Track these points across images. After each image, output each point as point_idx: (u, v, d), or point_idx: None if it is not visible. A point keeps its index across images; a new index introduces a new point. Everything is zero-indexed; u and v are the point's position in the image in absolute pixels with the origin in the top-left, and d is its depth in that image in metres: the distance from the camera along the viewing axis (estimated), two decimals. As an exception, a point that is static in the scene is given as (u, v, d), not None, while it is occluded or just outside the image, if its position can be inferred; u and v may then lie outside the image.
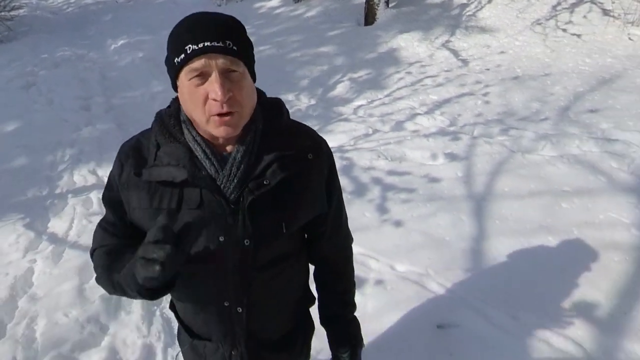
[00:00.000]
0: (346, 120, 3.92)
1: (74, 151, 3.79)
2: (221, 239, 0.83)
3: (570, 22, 5.22)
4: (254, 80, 0.81)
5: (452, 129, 3.55)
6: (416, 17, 6.24)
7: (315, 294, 1.10)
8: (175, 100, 0.86)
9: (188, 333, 0.99)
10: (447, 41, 5.40)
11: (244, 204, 0.81)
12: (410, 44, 5.51)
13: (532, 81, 4.19)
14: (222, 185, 0.81)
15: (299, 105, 4.39)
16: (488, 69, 4.60)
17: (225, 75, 0.73)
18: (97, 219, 2.91)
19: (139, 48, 7.06)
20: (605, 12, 5.15)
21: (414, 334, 1.88)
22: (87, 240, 2.64)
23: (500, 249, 2.30)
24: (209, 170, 0.81)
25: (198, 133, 0.82)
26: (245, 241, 0.83)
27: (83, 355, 1.88)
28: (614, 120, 3.37)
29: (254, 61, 0.81)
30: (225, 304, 0.89)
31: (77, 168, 3.49)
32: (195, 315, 0.95)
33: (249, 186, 0.81)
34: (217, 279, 0.87)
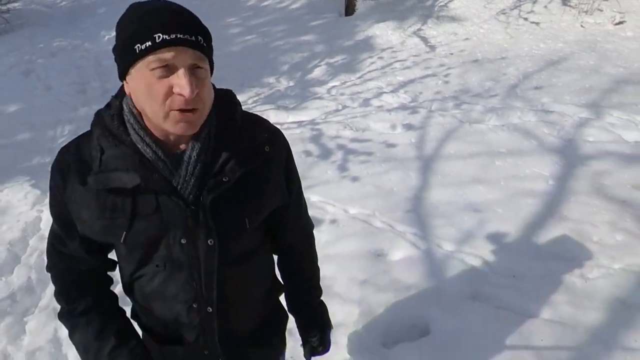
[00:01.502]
0: (320, 98, 4.34)
1: (72, 127, 4.18)
2: (183, 241, 0.81)
3: (532, 11, 5.65)
4: (211, 74, 0.79)
5: (412, 104, 3.97)
6: (393, 7, 6.65)
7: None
8: (116, 98, 0.81)
9: (155, 340, 0.96)
10: (419, 29, 5.82)
11: (204, 204, 0.78)
12: (384, 32, 5.92)
13: (490, 64, 4.62)
14: (179, 187, 0.78)
15: (279, 86, 4.79)
16: (452, 54, 5.02)
17: (192, 71, 0.71)
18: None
19: (132, 38, 7.42)
20: (564, 2, 5.58)
21: (357, 260, 2.30)
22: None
23: (437, 196, 2.73)
24: (162, 172, 0.77)
25: (146, 132, 0.77)
26: (209, 241, 0.81)
27: (86, 277, 2.29)
28: (554, 95, 3.81)
29: (212, 54, 0.79)
30: (194, 306, 0.87)
31: (76, 140, 3.88)
32: (163, 319, 0.92)
33: (208, 185, 0.78)
34: (183, 282, 0.85)
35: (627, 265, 2.11)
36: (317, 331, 1.08)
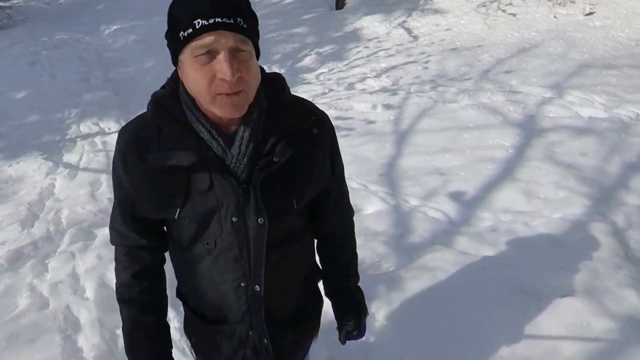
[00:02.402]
0: (308, 83, 4.67)
1: (78, 110, 4.49)
2: (234, 219, 0.82)
3: (510, 3, 5.99)
4: (259, 58, 0.79)
5: (393, 87, 4.31)
6: (381, 1, 6.97)
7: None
8: (172, 80, 0.83)
9: (200, 320, 0.98)
10: (404, 21, 6.15)
11: (255, 183, 0.80)
12: (372, 24, 6.25)
13: (467, 51, 4.95)
14: (232, 165, 0.80)
15: (271, 74, 5.12)
16: (433, 43, 5.36)
17: (234, 54, 0.71)
18: (101, 155, 3.69)
19: (132, 32, 7.72)
20: (541, -5, 5.92)
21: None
22: (95, 166, 3.36)
23: (408, 162, 3.07)
24: (216, 151, 0.80)
25: (201, 113, 0.79)
26: (259, 219, 0.83)
27: (97, 230, 2.61)
28: (522, 78, 4.15)
29: (259, 38, 0.79)
30: (242, 284, 0.89)
31: (82, 121, 4.20)
32: (209, 299, 0.94)
33: (259, 164, 0.80)
34: (233, 260, 0.87)
35: (565, 215, 2.45)
36: (353, 316, 1.08)
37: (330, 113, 3.88)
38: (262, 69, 0.83)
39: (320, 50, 5.67)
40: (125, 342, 0.96)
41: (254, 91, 0.77)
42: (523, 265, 2.13)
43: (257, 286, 0.90)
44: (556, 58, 4.47)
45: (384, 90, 4.25)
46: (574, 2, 5.59)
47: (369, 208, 2.65)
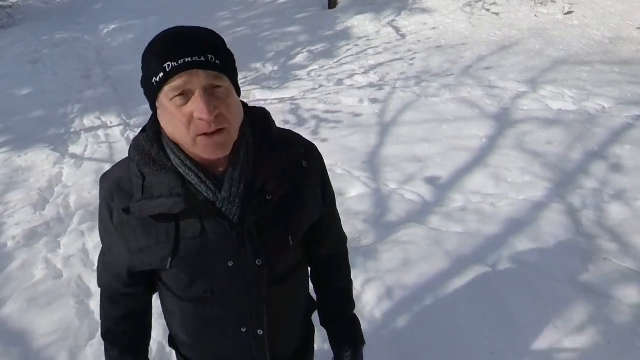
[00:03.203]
0: (300, 79, 4.91)
1: (80, 106, 4.72)
2: (230, 264, 0.80)
3: (494, 3, 6.25)
4: (239, 94, 0.77)
5: (379, 83, 4.56)
6: (372, 1, 7.22)
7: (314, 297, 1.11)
8: (153, 123, 0.80)
9: None
10: (393, 20, 6.40)
11: (250, 224, 0.78)
12: (362, 23, 6.50)
13: (451, 49, 5.21)
14: (223, 208, 0.77)
15: (264, 70, 5.36)
16: (419, 41, 5.61)
17: (210, 92, 0.70)
18: (104, 147, 3.94)
19: (129, 31, 7.93)
20: (524, -5, 6.18)
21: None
22: (99, 156, 3.60)
23: (390, 151, 3.32)
24: (205, 195, 0.77)
25: (186, 156, 0.76)
26: (257, 261, 0.81)
27: (103, 213, 2.85)
28: (500, 74, 4.41)
29: (237, 74, 0.77)
30: (243, 330, 0.87)
31: (85, 116, 4.43)
32: (207, 348, 0.92)
33: (252, 205, 0.78)
34: (232, 306, 0.84)
35: (528, 197, 2.71)
36: (350, 346, 1.05)
37: (320, 107, 4.14)
38: (245, 105, 0.82)
39: (312, 48, 5.91)
40: None
41: (236, 128, 0.75)
42: (485, 240, 2.39)
43: (259, 330, 0.87)
44: (534, 55, 4.74)
45: (370, 85, 4.50)
46: (554, 2, 5.85)
47: (352, 191, 2.90)
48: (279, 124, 0.91)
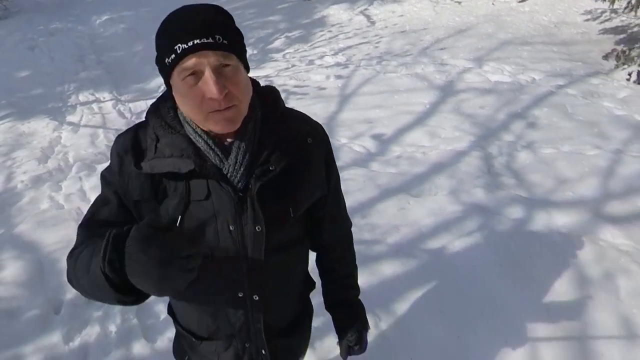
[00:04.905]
0: (276, 61, 5.42)
1: (76, 84, 5.21)
2: (232, 228, 0.84)
3: (458, -7, 6.79)
4: (248, 70, 0.80)
5: (346, 62, 5.08)
6: (348, -8, 7.74)
7: (315, 280, 1.13)
8: (170, 92, 0.82)
9: (194, 337, 0.98)
10: (365, 9, 6.92)
11: (252, 191, 0.82)
12: (337, 12, 7.01)
13: (413, 33, 5.74)
14: (229, 175, 0.82)
15: (244, 54, 5.87)
16: (387, 27, 6.14)
17: (219, 71, 0.72)
18: (98, 117, 4.44)
19: (121, 21, 8.39)
20: (485, -14, 6.71)
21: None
22: (93, 123, 4.10)
23: (346, 116, 3.84)
24: (213, 161, 0.81)
25: (198, 126, 0.81)
26: (257, 227, 0.84)
27: (98, 165, 3.35)
28: (452, 53, 4.94)
29: (245, 51, 0.79)
30: (240, 295, 0.90)
31: (80, 92, 4.92)
32: (204, 313, 0.95)
33: (256, 173, 0.82)
34: (230, 270, 0.88)
35: (454, 148, 3.25)
36: (355, 331, 1.09)
37: (291, 83, 4.65)
38: (256, 82, 0.87)
39: (290, 34, 6.42)
40: (83, 265, 0.74)
41: (246, 104, 0.79)
42: (412, 178, 2.92)
43: (255, 295, 0.91)
44: (485, 37, 5.28)
45: (337, 65, 5.02)
46: (511, -9, 6.39)
47: (309, 146, 3.42)
48: (252, 96, 0.93)
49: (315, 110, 4.00)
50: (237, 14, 7.85)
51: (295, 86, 4.56)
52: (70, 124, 4.11)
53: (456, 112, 3.73)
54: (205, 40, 0.71)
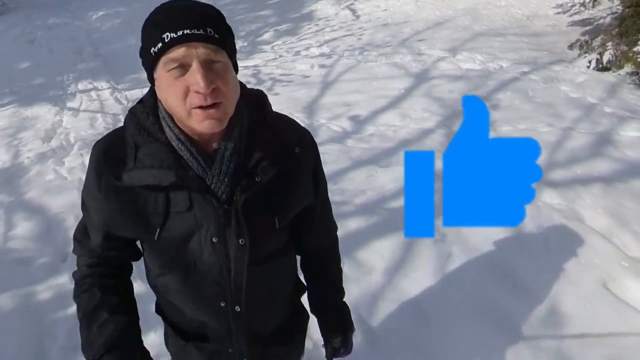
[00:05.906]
0: (264, 52, 5.74)
1: (75, 74, 5.50)
2: (214, 239, 0.81)
3: (440, -12, 7.11)
4: (237, 72, 0.77)
5: (330, 53, 5.40)
6: (336, -12, 8.06)
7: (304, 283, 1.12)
8: (151, 95, 0.81)
9: (181, 336, 0.98)
10: (352, 4, 7.24)
11: (237, 203, 0.79)
12: (325, 7, 7.33)
13: (395, 26, 6.07)
14: (212, 185, 0.78)
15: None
16: (370, 21, 6.46)
17: (208, 66, 0.70)
18: (96, 103, 4.74)
19: (117, 17, 8.67)
20: (466, -19, 7.04)
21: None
22: (92, 108, 4.39)
23: (327, 100, 4.17)
24: (196, 170, 0.78)
25: (180, 130, 0.77)
26: (240, 240, 0.82)
27: (97, 144, 3.66)
28: (429, 44, 5.27)
29: (235, 52, 0.77)
30: (222, 305, 0.89)
31: (79, 81, 5.21)
32: (189, 318, 0.94)
33: (241, 185, 0.79)
34: (213, 281, 0.86)
35: (422, 126, 3.57)
36: (340, 333, 1.10)
37: (277, 71, 4.97)
38: (243, 85, 0.83)
39: (279, 27, 6.74)
40: (82, 332, 0.88)
41: (232, 104, 0.76)
42: (381, 151, 3.25)
43: (237, 306, 0.89)
44: (461, 29, 5.61)
45: (322, 55, 5.34)
46: (489, -14, 6.72)
47: (291, 126, 3.74)
48: (240, 85, 0.94)
49: (299, 95, 4.32)
50: (229, 9, 8.15)
51: (282, 74, 4.87)
52: (70, 109, 4.41)
53: (427, 96, 4.05)
54: (196, 32, 0.69)
